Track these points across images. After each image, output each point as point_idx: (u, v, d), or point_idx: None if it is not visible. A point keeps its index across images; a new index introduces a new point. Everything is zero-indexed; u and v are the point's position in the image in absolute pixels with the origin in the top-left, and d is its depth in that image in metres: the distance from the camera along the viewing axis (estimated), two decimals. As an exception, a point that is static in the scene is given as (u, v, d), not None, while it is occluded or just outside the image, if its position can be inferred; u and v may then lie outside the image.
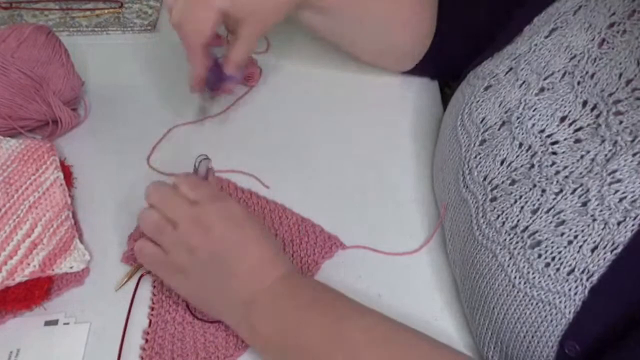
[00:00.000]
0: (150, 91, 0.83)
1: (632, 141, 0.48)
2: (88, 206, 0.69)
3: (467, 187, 0.59)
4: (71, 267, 0.61)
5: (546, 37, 0.60)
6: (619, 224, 0.46)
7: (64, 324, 0.58)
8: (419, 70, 0.81)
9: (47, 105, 0.72)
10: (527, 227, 0.51)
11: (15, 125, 0.72)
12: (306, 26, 0.74)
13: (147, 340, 0.57)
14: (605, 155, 0.49)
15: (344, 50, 0.80)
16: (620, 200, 0.46)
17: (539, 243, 0.49)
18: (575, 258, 0.47)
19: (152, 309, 0.59)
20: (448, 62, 0.76)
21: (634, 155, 0.47)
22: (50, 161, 0.68)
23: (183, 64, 0.86)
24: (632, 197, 0.46)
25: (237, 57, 0.67)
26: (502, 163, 0.56)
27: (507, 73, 0.61)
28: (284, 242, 0.64)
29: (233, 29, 0.67)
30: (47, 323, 0.58)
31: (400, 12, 0.73)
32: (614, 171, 0.48)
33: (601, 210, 0.47)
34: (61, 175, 0.68)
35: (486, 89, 0.62)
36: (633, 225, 0.45)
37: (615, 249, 0.45)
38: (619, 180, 0.47)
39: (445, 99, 0.81)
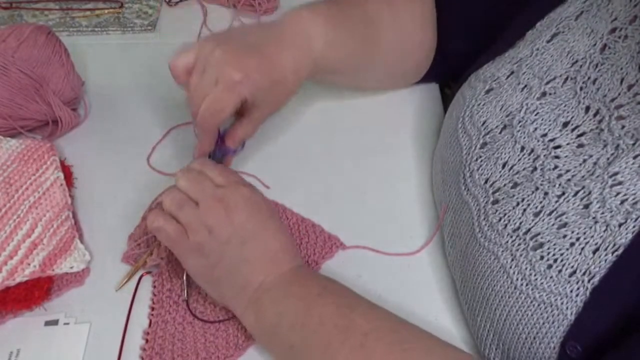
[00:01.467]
0: (150, 91, 0.83)
1: (634, 144, 0.48)
2: (88, 206, 0.69)
3: (468, 189, 0.59)
4: (71, 267, 0.61)
5: (548, 41, 0.60)
6: (620, 225, 0.46)
7: (64, 324, 0.58)
8: (423, 79, 0.81)
9: (47, 105, 0.72)
10: (529, 230, 0.51)
11: (16, 125, 0.72)
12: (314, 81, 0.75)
13: (147, 341, 0.57)
14: (607, 158, 0.50)
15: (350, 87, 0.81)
16: (622, 202, 0.47)
17: (541, 245, 0.49)
18: (577, 260, 0.47)
19: (152, 309, 0.59)
20: (450, 66, 0.76)
21: (635, 157, 0.48)
22: (51, 161, 0.68)
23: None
24: (633, 199, 0.47)
25: (244, 135, 0.68)
26: (503, 166, 0.57)
27: (508, 76, 0.61)
28: None
29: (243, 111, 0.66)
30: (48, 323, 0.58)
31: (405, 46, 0.74)
32: (616, 174, 0.48)
33: (603, 213, 0.47)
34: (61, 175, 0.68)
35: (487, 92, 0.62)
36: (634, 226, 0.45)
37: (616, 250, 0.46)
38: (620, 183, 0.48)
39: (445, 100, 0.81)
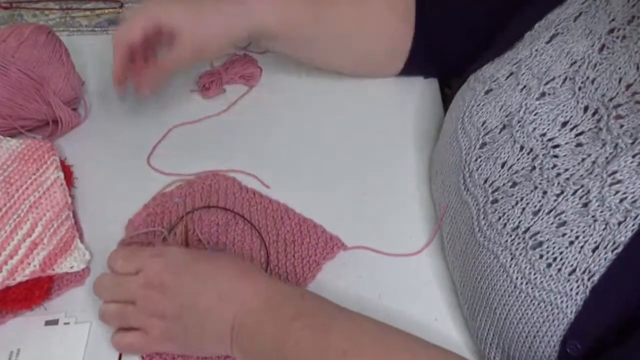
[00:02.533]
0: (150, 91, 0.83)
1: (633, 143, 0.49)
2: (88, 206, 0.69)
3: (467, 189, 0.59)
4: (72, 267, 0.61)
5: (547, 42, 0.60)
6: (619, 224, 0.46)
7: (65, 323, 0.58)
8: (417, 70, 0.81)
9: (48, 105, 0.72)
10: (528, 229, 0.51)
11: (16, 125, 0.72)
12: (270, 50, 0.78)
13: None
14: (606, 157, 0.50)
15: (318, 66, 0.81)
16: (621, 200, 0.47)
17: (540, 244, 0.49)
18: (576, 258, 0.47)
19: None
20: (449, 63, 0.76)
21: (634, 156, 0.48)
22: (51, 161, 0.68)
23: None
24: (632, 197, 0.47)
25: (167, 64, 0.69)
26: (502, 166, 0.57)
27: (507, 77, 0.62)
28: (286, 243, 0.64)
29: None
30: (48, 323, 0.59)
31: (362, 23, 0.74)
32: (614, 172, 0.48)
33: (602, 211, 0.47)
34: (61, 175, 0.68)
35: (487, 92, 0.62)
36: (633, 225, 0.46)
37: (616, 249, 0.46)
38: (619, 181, 0.48)
39: (445, 100, 0.81)
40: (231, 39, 0.68)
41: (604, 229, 0.47)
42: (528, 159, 0.55)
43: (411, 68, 0.80)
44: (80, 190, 0.70)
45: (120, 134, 0.77)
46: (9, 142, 0.69)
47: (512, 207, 0.53)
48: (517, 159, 0.56)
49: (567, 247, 0.48)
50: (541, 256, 0.49)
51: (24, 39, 0.73)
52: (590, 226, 0.47)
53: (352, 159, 0.74)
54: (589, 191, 0.49)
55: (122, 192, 0.70)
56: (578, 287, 0.46)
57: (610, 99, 0.52)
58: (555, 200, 0.51)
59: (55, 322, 0.58)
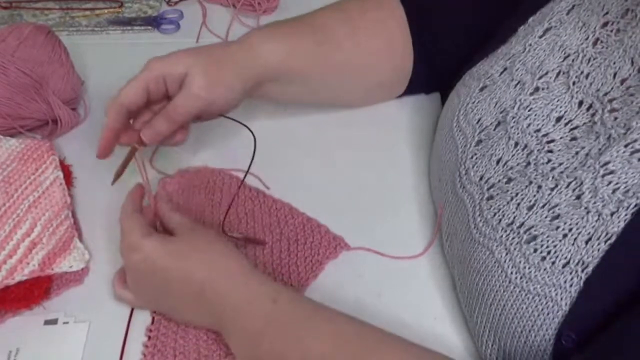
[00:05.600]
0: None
1: (625, 133, 0.48)
2: (87, 205, 0.69)
3: (463, 187, 0.59)
4: (71, 267, 0.61)
5: (540, 36, 0.60)
6: (612, 214, 0.46)
7: (64, 323, 0.59)
8: (419, 89, 0.80)
9: (47, 104, 0.73)
10: (523, 223, 0.51)
11: (15, 125, 0.72)
12: (275, 99, 0.75)
13: (149, 338, 0.57)
14: (599, 149, 0.50)
15: (322, 104, 0.79)
16: (614, 191, 0.47)
17: (534, 238, 0.49)
18: (570, 250, 0.47)
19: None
20: (442, 78, 0.74)
21: (626, 145, 0.48)
22: (50, 160, 0.69)
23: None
24: (624, 187, 0.46)
25: (175, 109, 0.62)
26: (498, 162, 0.57)
27: (501, 73, 0.61)
28: (289, 242, 0.65)
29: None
30: (47, 322, 0.59)
31: (365, 57, 0.73)
32: (607, 163, 0.48)
33: (595, 202, 0.47)
34: (61, 174, 0.68)
35: (481, 89, 0.62)
36: (626, 215, 0.45)
37: (609, 239, 0.46)
38: (612, 172, 0.48)
39: (444, 98, 0.80)
40: (242, 83, 0.65)
41: (596, 220, 0.47)
42: (523, 154, 0.55)
43: (413, 89, 0.79)
44: (79, 190, 0.71)
45: (119, 133, 0.77)
46: (8, 142, 0.69)
47: (507, 203, 0.53)
48: (512, 155, 0.56)
49: (560, 240, 0.48)
50: (535, 250, 0.49)
51: (23, 39, 0.73)
52: (583, 218, 0.47)
53: (352, 158, 0.74)
54: (582, 183, 0.49)
55: (121, 192, 0.70)
56: (572, 279, 0.46)
57: (605, 94, 0.52)
58: (549, 194, 0.50)
59: (54, 322, 0.59)
